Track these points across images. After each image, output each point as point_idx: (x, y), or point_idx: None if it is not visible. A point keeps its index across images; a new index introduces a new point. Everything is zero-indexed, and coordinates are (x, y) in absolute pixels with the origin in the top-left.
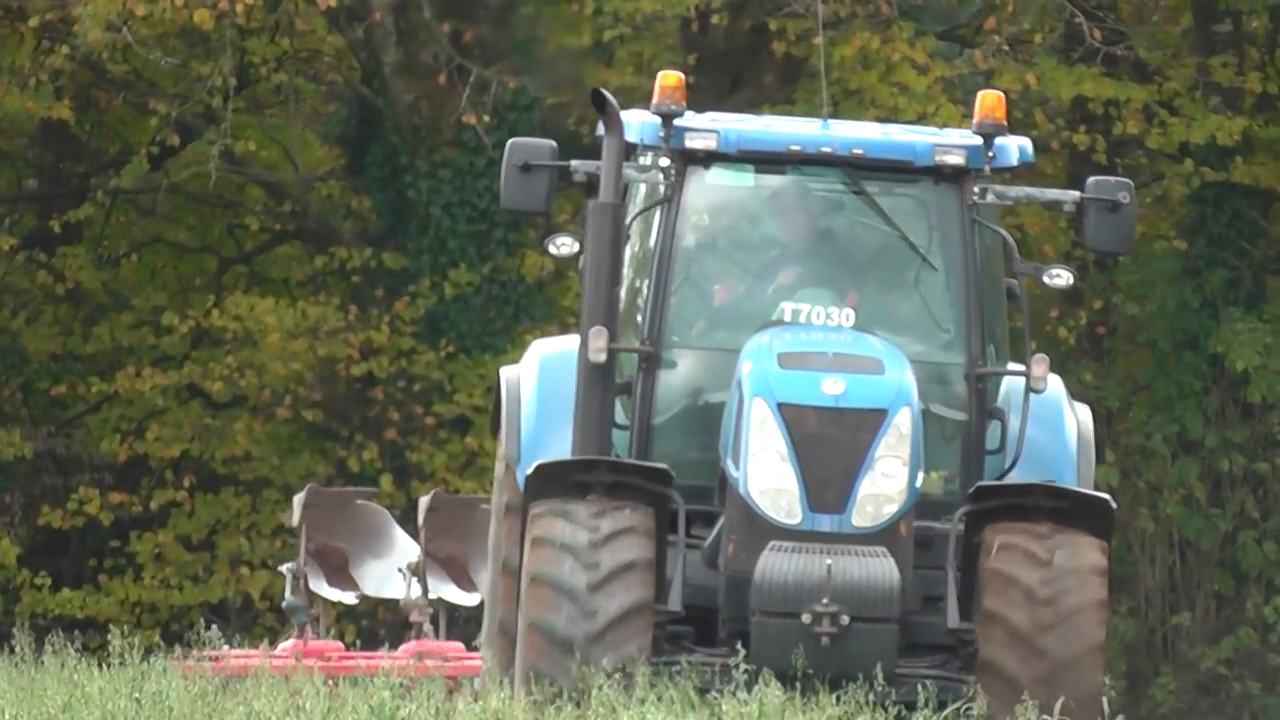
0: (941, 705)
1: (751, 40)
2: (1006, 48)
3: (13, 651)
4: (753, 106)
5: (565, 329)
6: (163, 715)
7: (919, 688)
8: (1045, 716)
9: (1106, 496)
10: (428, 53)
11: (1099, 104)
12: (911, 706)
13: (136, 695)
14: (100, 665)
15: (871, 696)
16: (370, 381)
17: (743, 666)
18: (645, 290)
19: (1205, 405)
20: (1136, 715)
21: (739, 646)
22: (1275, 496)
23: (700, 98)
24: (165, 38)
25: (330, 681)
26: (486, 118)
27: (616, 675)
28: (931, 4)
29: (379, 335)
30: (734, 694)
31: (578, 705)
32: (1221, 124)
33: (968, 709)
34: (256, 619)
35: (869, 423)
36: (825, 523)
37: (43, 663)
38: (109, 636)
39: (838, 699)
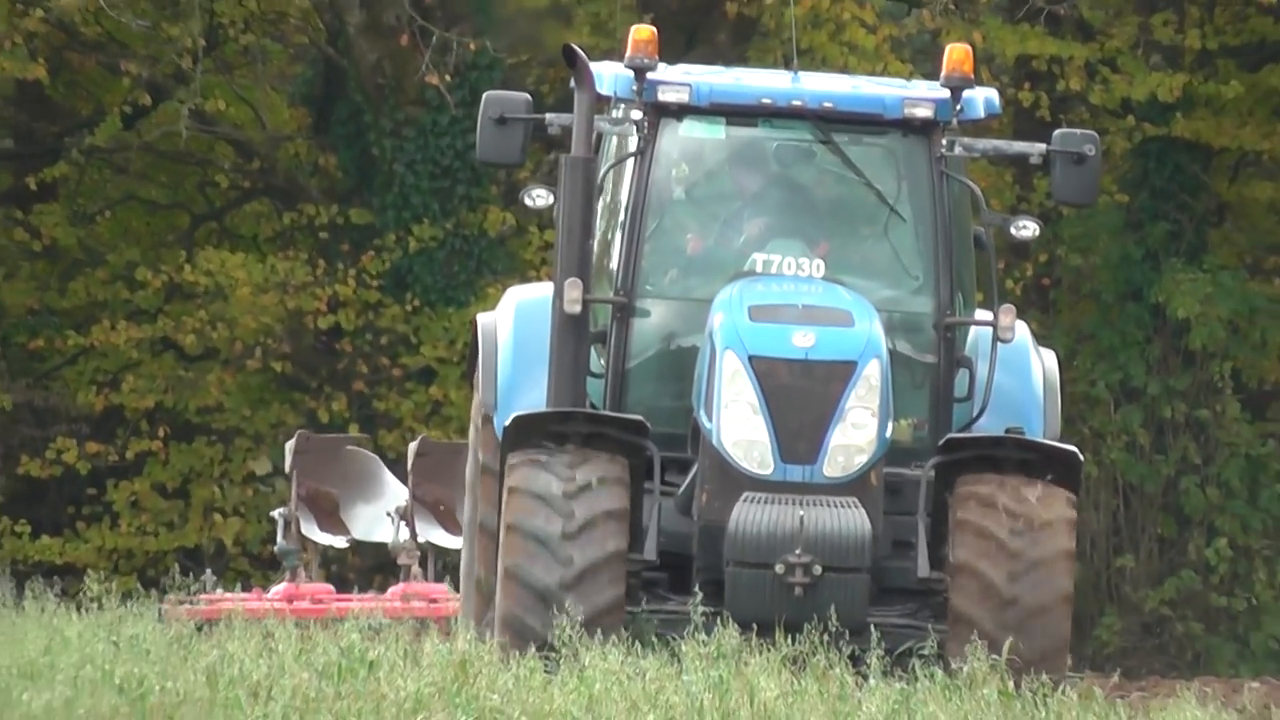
0: (939, 660)
1: (704, 0)
2: (953, 7)
3: None
4: (707, 64)
5: (526, 282)
6: (140, 658)
7: (882, 637)
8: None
9: (1074, 449)
10: (390, 14)
11: (1043, 62)
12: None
13: (114, 639)
14: (79, 610)
15: (840, 643)
16: (338, 334)
17: (700, 609)
18: (618, 241)
19: (1148, 354)
20: (1082, 655)
21: (696, 590)
22: (1216, 442)
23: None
24: (136, 0)
25: (319, 625)
26: (448, 77)
27: (591, 623)
28: None
29: (346, 289)
30: (694, 635)
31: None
32: (1162, 81)
33: (920, 649)
34: (229, 564)
35: (839, 374)
36: (797, 473)
37: (23, 608)
38: (86, 582)
39: (792, 639)
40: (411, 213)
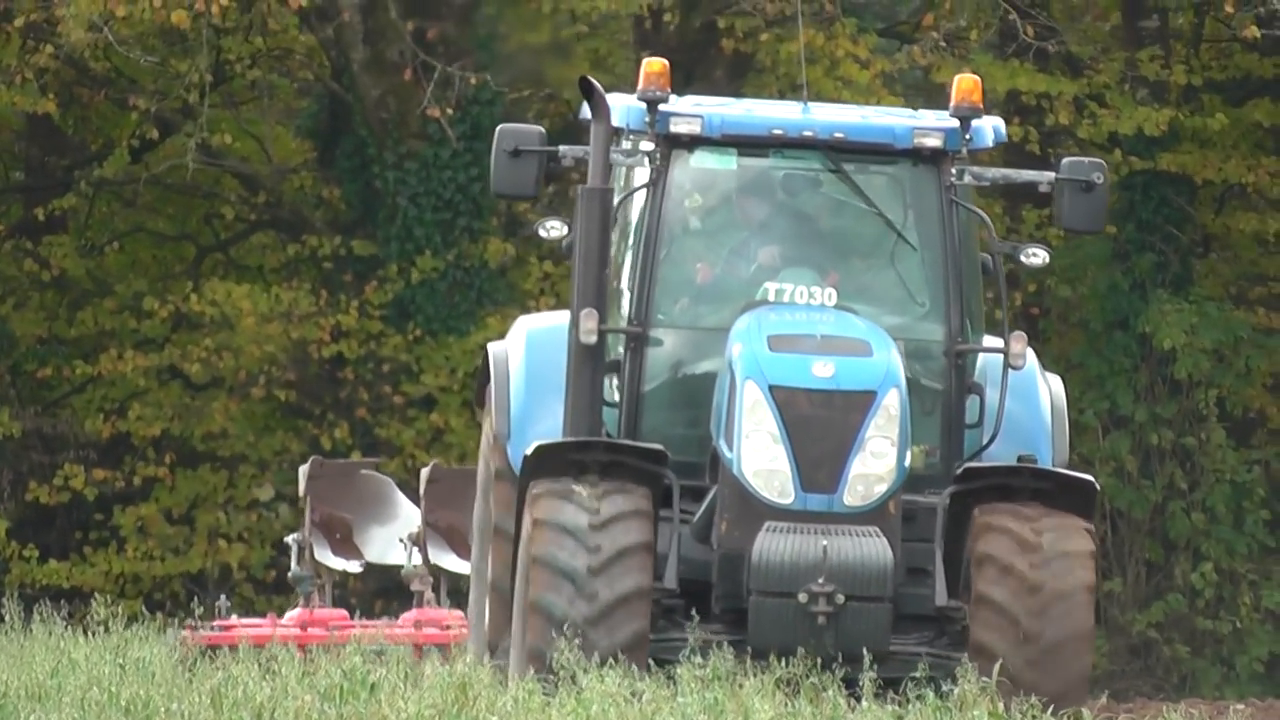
0: (931, 682)
1: (702, 37)
2: (944, 44)
3: (2, 620)
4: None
5: (526, 312)
6: (145, 680)
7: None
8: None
9: (1090, 478)
10: (394, 50)
11: (1032, 97)
12: (896, 683)
13: (120, 661)
14: (86, 633)
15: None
16: (341, 363)
17: (720, 637)
18: (630, 271)
19: (1135, 382)
20: None
21: (694, 616)
22: (1202, 469)
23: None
24: (145, 36)
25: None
26: (450, 111)
27: (616, 657)
28: (872, 2)
29: (349, 319)
30: (689, 659)
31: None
32: (1148, 115)
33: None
34: (234, 588)
35: (859, 404)
36: (817, 502)
37: (31, 631)
38: (94, 606)
39: (786, 662)
40: (414, 244)
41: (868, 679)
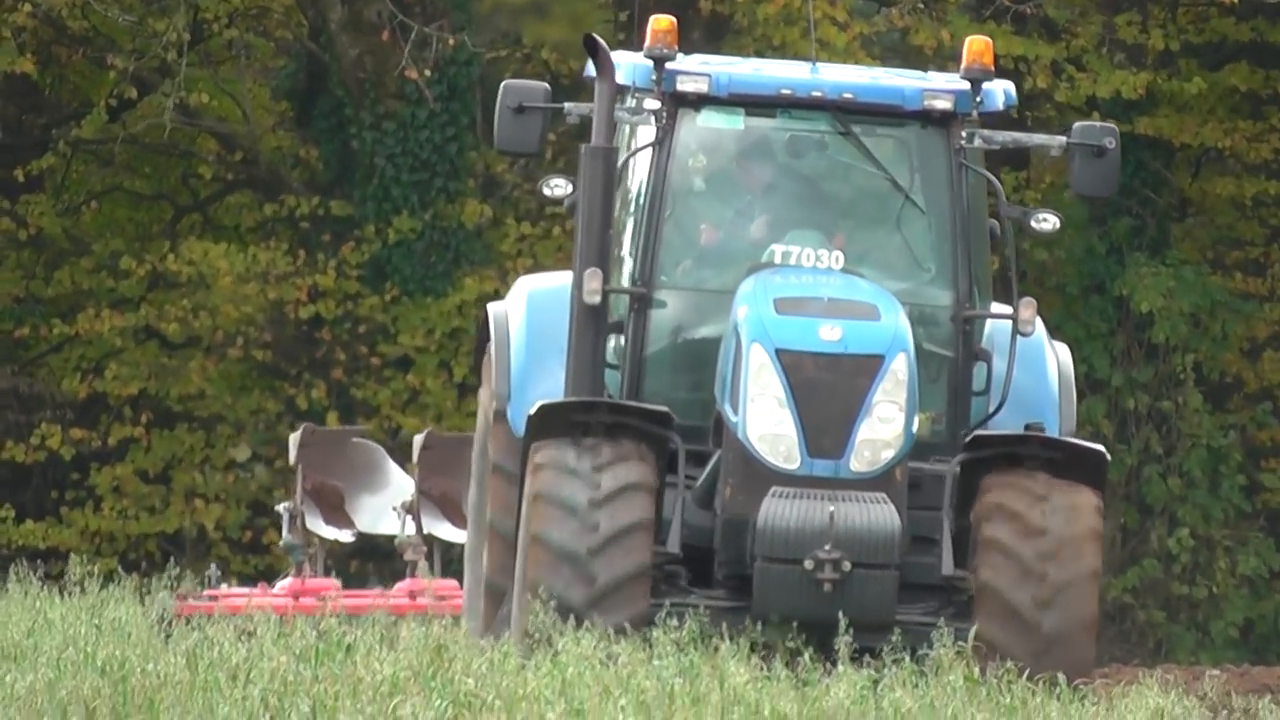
0: (907, 647)
1: None
2: (922, 6)
3: None
4: None
5: (503, 274)
6: (121, 640)
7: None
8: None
9: (1100, 448)
10: (371, 10)
11: (1009, 60)
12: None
13: (96, 621)
14: (62, 593)
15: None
16: (318, 323)
17: (724, 603)
18: (634, 231)
19: (1112, 346)
20: None
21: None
22: (1178, 433)
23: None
24: None
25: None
26: (427, 72)
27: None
28: None
29: (326, 279)
30: (665, 622)
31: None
32: (1126, 79)
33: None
34: (210, 549)
35: (866, 368)
36: (823, 468)
37: (7, 590)
38: (70, 565)
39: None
40: (391, 205)
41: (843, 644)
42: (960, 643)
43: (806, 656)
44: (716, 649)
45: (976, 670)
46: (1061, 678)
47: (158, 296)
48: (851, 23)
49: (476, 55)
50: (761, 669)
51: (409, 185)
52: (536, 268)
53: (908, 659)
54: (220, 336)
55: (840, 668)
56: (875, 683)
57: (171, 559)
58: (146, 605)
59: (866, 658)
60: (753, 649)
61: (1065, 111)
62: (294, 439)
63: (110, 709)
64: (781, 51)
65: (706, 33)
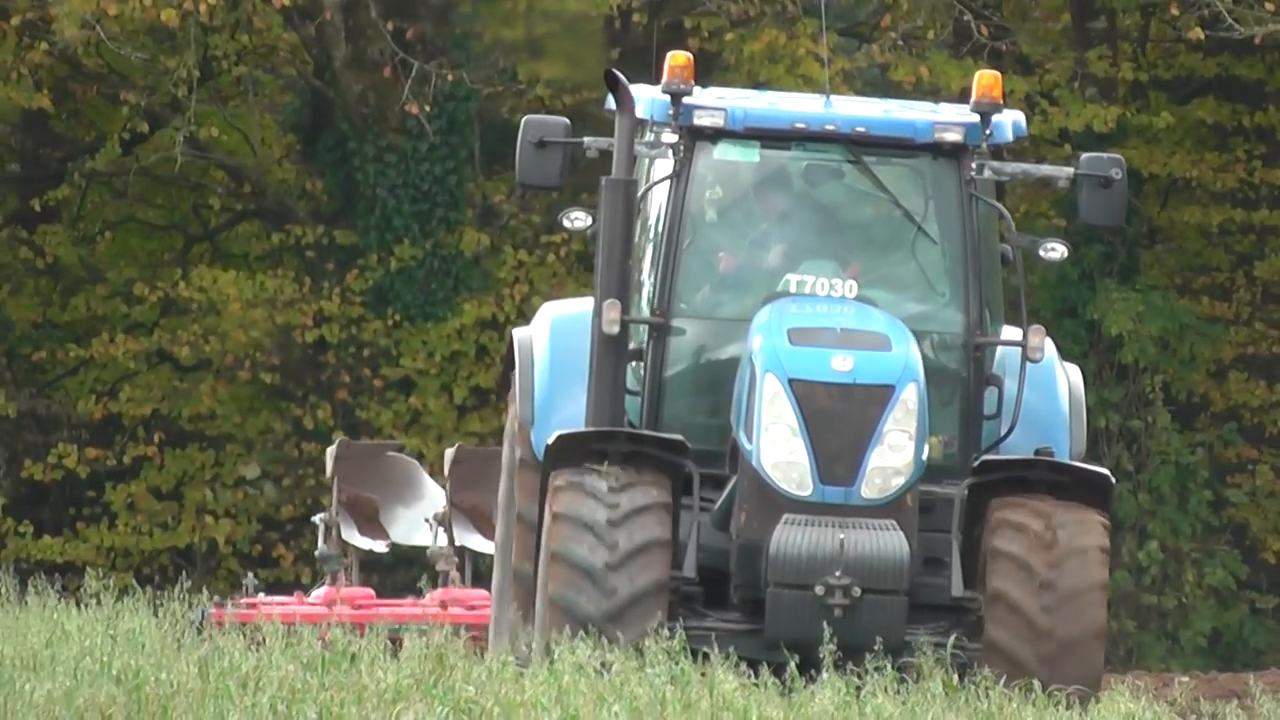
0: (889, 655)
1: (668, 36)
2: (901, 43)
3: None
4: None
5: (500, 299)
6: (135, 650)
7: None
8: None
9: (1105, 472)
10: (374, 48)
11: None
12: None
13: (112, 632)
14: (78, 605)
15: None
16: (323, 347)
17: (739, 626)
18: (652, 260)
19: (1084, 368)
20: None
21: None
22: (1148, 451)
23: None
24: (135, 34)
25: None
26: (428, 107)
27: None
28: (832, 2)
29: (330, 305)
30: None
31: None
32: (1097, 112)
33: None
34: (220, 563)
35: (877, 398)
36: (835, 495)
37: (26, 603)
38: (86, 579)
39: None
40: (393, 234)
41: (827, 651)
42: (970, 653)
43: (793, 665)
44: (707, 656)
45: (955, 678)
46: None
47: (170, 322)
48: (834, 59)
49: (474, 91)
50: (749, 677)
51: (410, 215)
52: (532, 293)
53: (890, 667)
54: (230, 360)
55: (825, 675)
56: (858, 690)
57: (184, 573)
58: (179, 613)
59: (849, 666)
60: (741, 658)
61: (1039, 144)
62: (330, 452)
63: (125, 716)
64: (766, 87)
65: (695, 70)
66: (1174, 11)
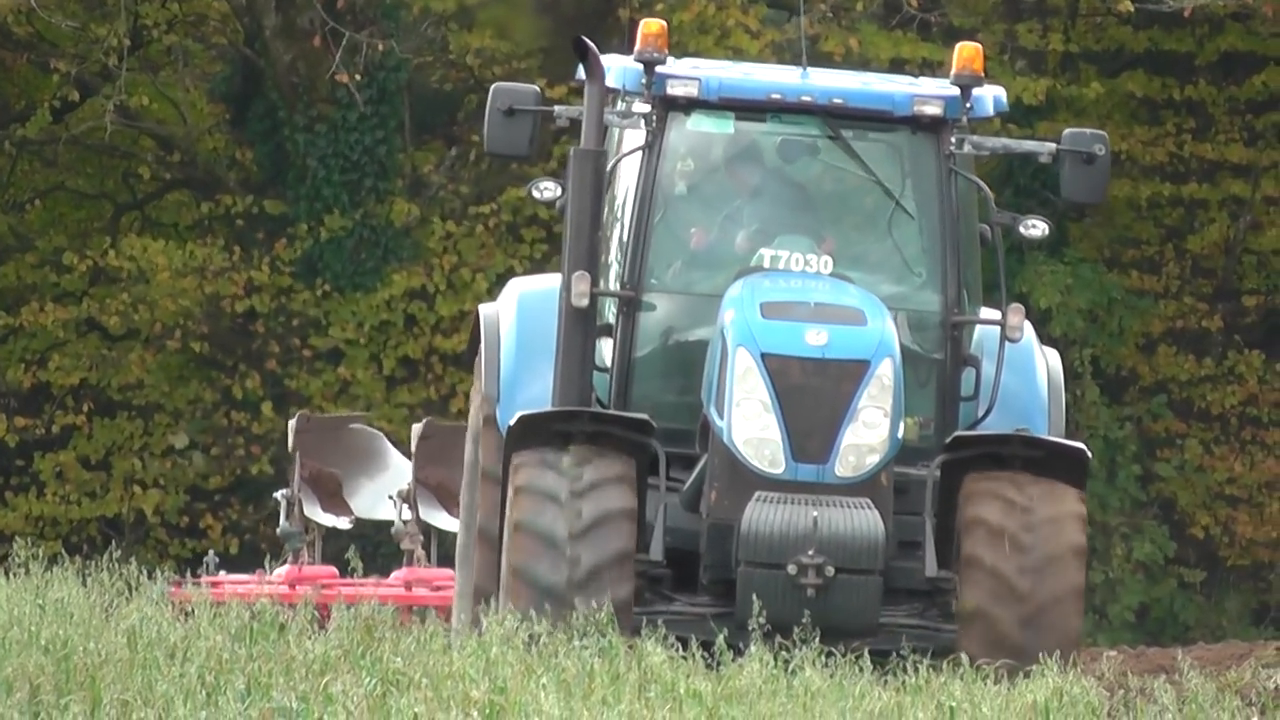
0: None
1: (599, 6)
2: (831, 15)
3: None
4: None
5: (429, 270)
6: (64, 619)
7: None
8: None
9: (1081, 446)
10: (304, 17)
11: (915, 65)
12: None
13: (40, 602)
14: (6, 574)
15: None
16: (252, 316)
17: (708, 608)
18: (623, 234)
19: None
20: None
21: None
22: (1077, 425)
23: (553, 59)
24: (65, 2)
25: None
26: (358, 77)
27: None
28: None
29: (260, 274)
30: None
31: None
32: (1027, 85)
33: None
34: (149, 533)
35: (852, 373)
36: (808, 473)
37: None
38: (14, 548)
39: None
40: (322, 204)
41: (755, 623)
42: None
43: (721, 638)
44: (638, 630)
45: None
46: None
47: (99, 291)
48: (763, 31)
49: (405, 61)
50: (677, 649)
51: (340, 185)
52: (461, 264)
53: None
54: (159, 329)
55: (752, 648)
56: (786, 663)
57: (113, 542)
58: (107, 582)
59: (777, 638)
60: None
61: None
62: (291, 425)
63: (53, 686)
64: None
65: (626, 41)
66: None
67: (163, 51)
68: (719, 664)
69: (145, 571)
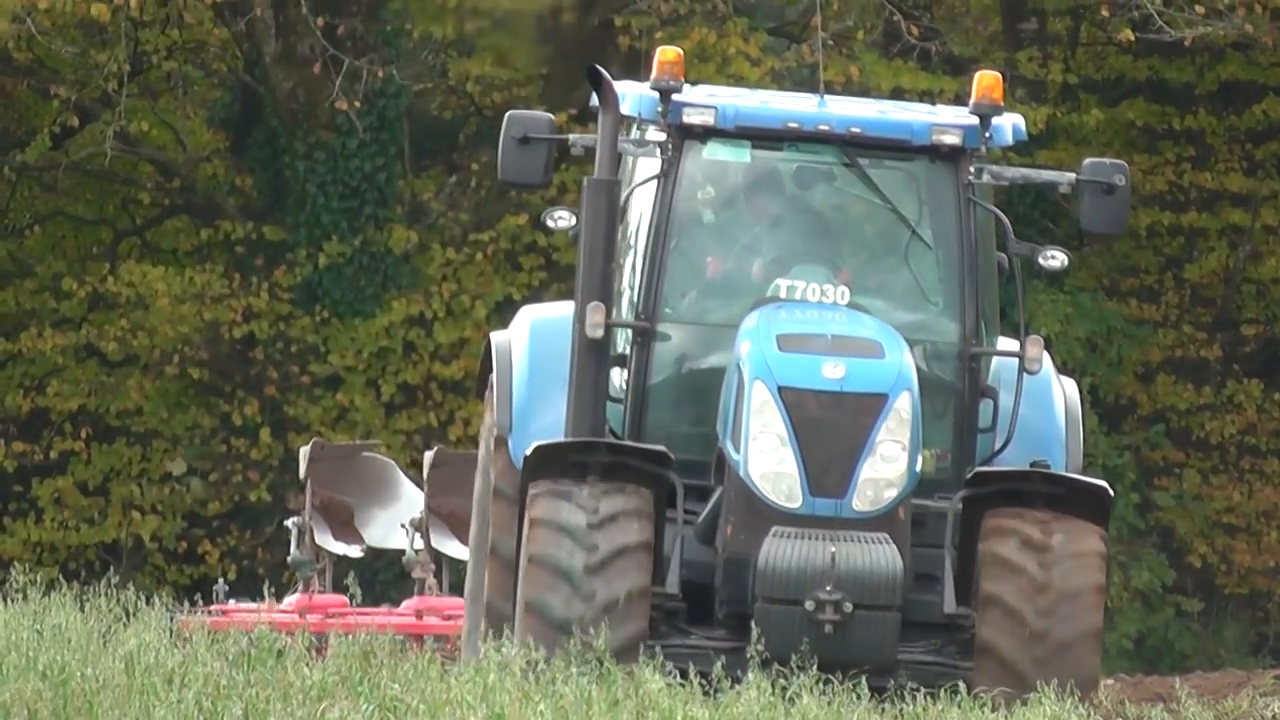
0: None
1: (599, 34)
2: (831, 43)
3: None
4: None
5: (428, 297)
6: (62, 645)
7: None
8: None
9: (1104, 484)
10: (304, 44)
11: (915, 94)
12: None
13: (38, 627)
14: (4, 600)
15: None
16: (251, 343)
17: (724, 643)
18: (638, 264)
19: None
20: None
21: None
22: None
23: (553, 87)
24: (66, 29)
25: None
26: (357, 104)
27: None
28: (763, 2)
29: (259, 301)
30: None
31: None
32: (1026, 113)
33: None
34: (146, 559)
35: (870, 407)
36: (826, 507)
37: None
38: (12, 574)
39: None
40: (322, 230)
41: (754, 650)
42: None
43: (718, 665)
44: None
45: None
46: None
47: (98, 317)
48: (764, 59)
49: (404, 88)
50: (675, 677)
51: (339, 212)
52: (460, 291)
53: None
54: (157, 355)
55: (750, 676)
56: (784, 690)
57: (110, 568)
58: (105, 608)
59: (774, 667)
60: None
61: None
62: (304, 453)
63: (51, 711)
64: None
65: (624, 68)
66: (1105, 13)
67: (162, 78)
68: (717, 691)
69: (144, 597)
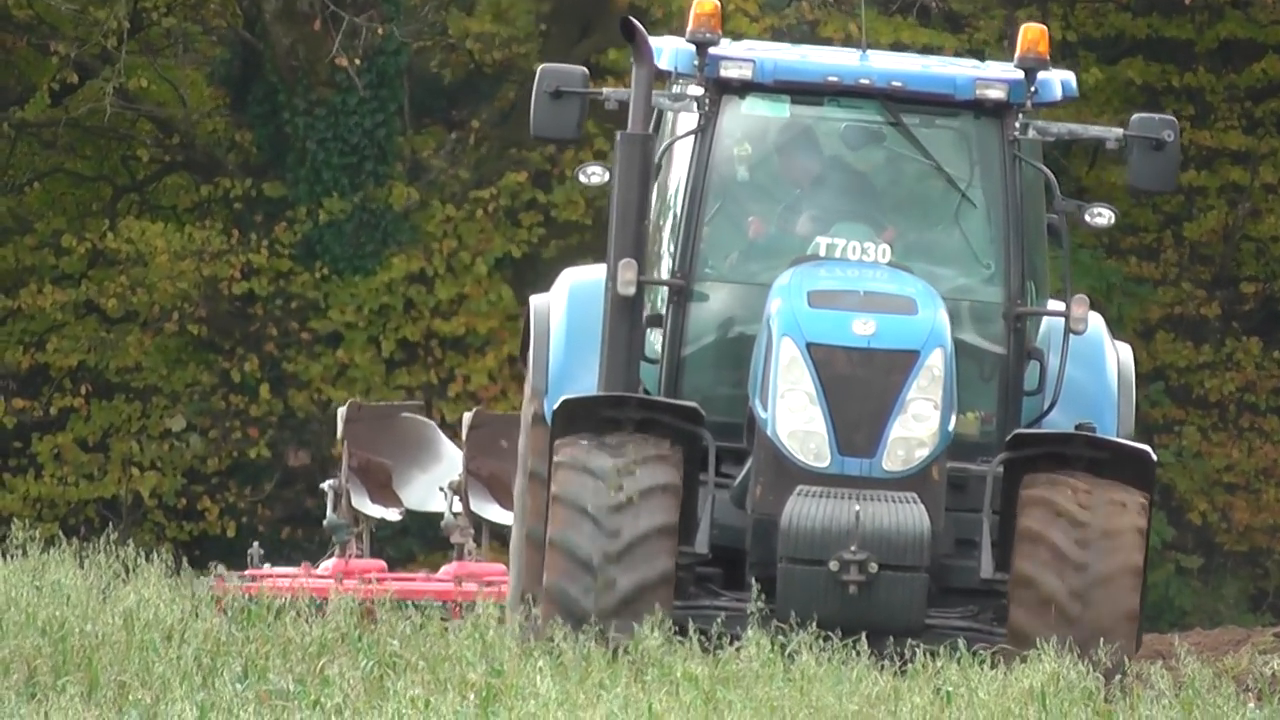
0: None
1: None
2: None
3: None
4: (599, 51)
5: (428, 254)
6: (61, 601)
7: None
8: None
9: (1146, 448)
10: (304, 1)
11: (916, 49)
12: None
13: (37, 584)
14: (4, 556)
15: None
16: (251, 299)
17: (756, 605)
18: (674, 222)
19: None
20: None
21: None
22: None
23: (552, 44)
24: None
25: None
26: (357, 60)
27: (637, 597)
28: None
29: (259, 257)
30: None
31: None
32: None
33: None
34: (146, 515)
35: (900, 364)
36: (855, 466)
37: None
38: (12, 530)
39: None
40: (322, 187)
41: (753, 607)
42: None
43: (718, 622)
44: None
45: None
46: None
47: (97, 273)
48: (763, 16)
49: (404, 45)
50: (674, 633)
51: (339, 168)
52: (460, 248)
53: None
54: (157, 311)
55: (749, 632)
56: (783, 647)
57: (110, 524)
58: (87, 568)
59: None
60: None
61: None
62: (340, 413)
63: (50, 667)
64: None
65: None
66: None
67: (162, 35)
68: (716, 648)
69: (143, 554)
